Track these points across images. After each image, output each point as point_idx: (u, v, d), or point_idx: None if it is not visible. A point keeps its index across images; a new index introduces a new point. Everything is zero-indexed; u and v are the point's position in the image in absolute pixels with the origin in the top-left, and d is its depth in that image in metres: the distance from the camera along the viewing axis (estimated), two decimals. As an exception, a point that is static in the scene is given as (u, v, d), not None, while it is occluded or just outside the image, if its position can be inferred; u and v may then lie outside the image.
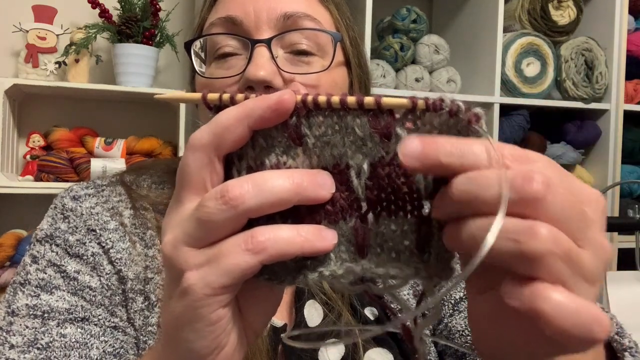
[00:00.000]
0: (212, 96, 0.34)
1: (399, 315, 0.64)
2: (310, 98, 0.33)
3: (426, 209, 0.33)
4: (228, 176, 0.34)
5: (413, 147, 0.30)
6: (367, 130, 0.33)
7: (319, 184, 0.33)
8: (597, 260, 0.29)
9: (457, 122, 0.31)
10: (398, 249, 0.33)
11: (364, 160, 0.33)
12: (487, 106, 1.79)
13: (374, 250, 0.34)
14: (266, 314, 0.37)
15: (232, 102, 0.34)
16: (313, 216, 0.33)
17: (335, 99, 0.32)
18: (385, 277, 0.33)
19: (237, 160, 0.34)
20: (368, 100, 0.32)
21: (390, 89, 1.75)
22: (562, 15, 1.88)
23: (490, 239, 0.27)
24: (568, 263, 0.28)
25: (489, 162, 0.29)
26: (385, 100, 0.32)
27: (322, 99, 0.33)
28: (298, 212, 0.33)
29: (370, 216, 0.34)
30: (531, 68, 1.85)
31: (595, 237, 0.29)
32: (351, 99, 0.32)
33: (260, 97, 0.33)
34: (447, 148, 0.29)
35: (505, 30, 1.85)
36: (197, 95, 0.35)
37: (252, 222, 0.32)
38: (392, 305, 0.64)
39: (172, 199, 0.35)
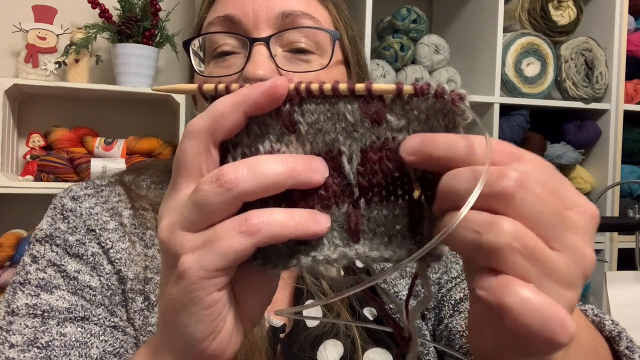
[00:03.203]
0: (208, 86, 0.35)
1: (392, 308, 0.63)
2: (303, 85, 0.34)
3: (416, 193, 0.34)
4: (223, 164, 0.35)
5: (412, 142, 0.32)
6: (357, 116, 0.34)
7: (312, 169, 0.33)
8: (574, 265, 0.29)
9: (443, 105, 0.32)
10: (390, 233, 0.34)
11: (355, 146, 0.34)
12: (487, 106, 1.79)
13: (367, 235, 0.35)
14: (262, 300, 0.38)
15: (228, 91, 0.35)
16: (306, 201, 0.34)
17: (328, 85, 0.34)
18: (378, 261, 0.34)
19: (232, 148, 0.35)
20: (359, 86, 0.33)
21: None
22: (562, 15, 1.88)
23: (455, 221, 0.28)
24: (531, 260, 0.28)
25: (477, 157, 0.30)
26: (375, 85, 0.33)
27: (314, 86, 0.34)
28: (291, 198, 0.34)
29: (362, 201, 0.35)
30: (531, 68, 1.85)
31: (574, 242, 0.29)
32: (343, 86, 0.34)
33: (255, 84, 0.34)
34: (439, 144, 0.31)
35: (505, 30, 1.85)
36: (194, 86, 0.36)
37: (247, 207, 0.33)
38: (391, 306, 0.64)
39: (169, 186, 0.36)
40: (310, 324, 0.62)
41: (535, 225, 0.29)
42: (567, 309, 0.29)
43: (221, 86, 0.35)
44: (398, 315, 0.64)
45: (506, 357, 0.33)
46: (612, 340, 0.49)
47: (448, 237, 0.29)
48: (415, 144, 0.32)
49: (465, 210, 0.28)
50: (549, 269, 0.28)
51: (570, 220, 0.30)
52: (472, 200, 0.28)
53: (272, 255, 0.34)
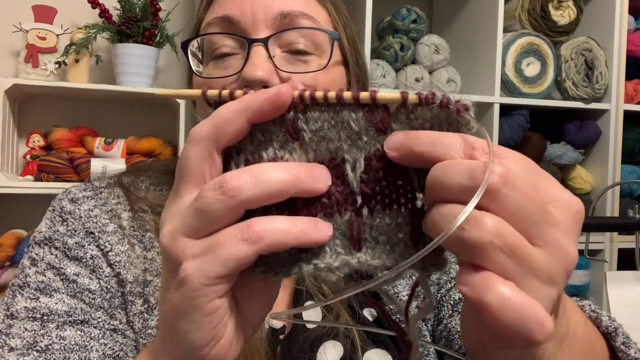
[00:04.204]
0: (212, 92, 0.35)
1: (393, 308, 0.63)
2: (307, 93, 0.34)
3: (419, 201, 0.34)
4: (226, 170, 0.35)
5: (395, 139, 0.32)
6: (362, 125, 0.34)
7: (315, 177, 0.33)
8: (555, 262, 0.29)
9: (448, 114, 0.32)
10: (392, 241, 0.34)
11: (359, 154, 0.34)
12: (487, 106, 1.78)
13: (369, 243, 0.34)
14: (263, 307, 0.38)
15: (232, 98, 0.35)
16: (309, 209, 0.34)
17: (332, 93, 0.33)
18: (380, 269, 0.34)
19: (235, 155, 0.35)
20: (363, 95, 0.33)
21: (390, 89, 1.75)
22: (562, 15, 1.88)
23: (454, 225, 0.28)
24: (513, 258, 0.28)
25: (460, 153, 0.30)
26: (380, 94, 0.33)
27: (319, 93, 0.34)
28: (294, 205, 0.34)
29: (365, 210, 0.34)
30: (531, 68, 1.85)
31: (556, 238, 0.30)
32: (347, 94, 0.33)
33: (259, 91, 0.34)
34: (421, 139, 0.31)
35: (505, 30, 1.85)
36: (197, 92, 0.35)
37: (249, 214, 0.33)
38: (391, 307, 0.64)
39: (171, 192, 0.36)
40: (310, 325, 0.62)
41: (517, 221, 0.29)
42: (548, 305, 0.29)
43: (225, 92, 0.35)
44: (399, 317, 0.64)
45: (490, 350, 0.33)
46: (608, 336, 0.49)
47: (432, 231, 0.30)
48: (398, 140, 0.32)
49: (462, 217, 0.28)
50: (530, 266, 0.29)
51: (552, 216, 0.30)
52: (471, 205, 0.28)
53: (273, 262, 0.34)
